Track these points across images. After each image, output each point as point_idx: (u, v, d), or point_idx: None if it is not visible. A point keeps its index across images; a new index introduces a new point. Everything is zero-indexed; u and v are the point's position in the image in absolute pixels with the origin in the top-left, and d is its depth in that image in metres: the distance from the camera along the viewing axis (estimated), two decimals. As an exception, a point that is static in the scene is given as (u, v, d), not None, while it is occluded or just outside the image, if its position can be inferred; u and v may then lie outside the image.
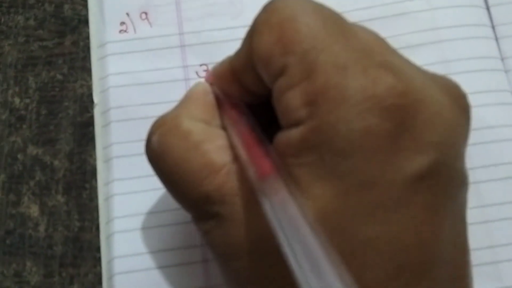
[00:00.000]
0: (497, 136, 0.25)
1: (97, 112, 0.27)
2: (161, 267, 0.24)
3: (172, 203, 0.24)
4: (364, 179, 0.15)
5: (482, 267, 0.23)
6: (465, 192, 0.17)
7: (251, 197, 0.16)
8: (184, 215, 0.24)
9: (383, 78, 0.15)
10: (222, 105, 0.20)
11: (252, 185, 0.16)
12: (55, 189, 0.26)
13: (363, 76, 0.15)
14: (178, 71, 0.27)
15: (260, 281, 0.17)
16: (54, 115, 0.27)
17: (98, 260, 0.25)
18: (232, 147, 0.18)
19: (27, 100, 0.27)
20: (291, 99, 0.16)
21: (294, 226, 0.14)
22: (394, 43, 0.18)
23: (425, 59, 0.26)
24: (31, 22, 0.29)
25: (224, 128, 0.19)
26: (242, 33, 0.27)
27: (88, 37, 0.28)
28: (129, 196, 0.25)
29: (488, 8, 0.28)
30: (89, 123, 0.27)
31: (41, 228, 0.25)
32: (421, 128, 0.15)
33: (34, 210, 0.26)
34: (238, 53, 0.19)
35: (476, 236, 0.24)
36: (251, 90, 0.19)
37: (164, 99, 0.26)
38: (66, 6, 0.29)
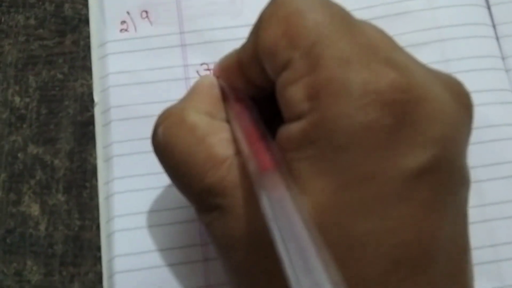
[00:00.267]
0: (497, 135, 0.25)
1: (97, 111, 0.27)
2: (162, 266, 0.24)
3: (172, 201, 0.25)
4: (364, 173, 0.15)
5: (483, 266, 0.23)
6: (467, 189, 0.17)
7: (251, 191, 0.17)
8: (184, 214, 0.24)
9: (385, 73, 0.15)
10: (227, 99, 0.20)
11: (252, 179, 0.17)
12: (56, 188, 0.26)
13: (366, 71, 0.15)
14: (179, 70, 0.27)
15: (258, 273, 0.17)
16: (54, 114, 0.27)
17: (99, 259, 0.25)
18: (235, 140, 0.19)
19: (28, 99, 0.27)
20: (294, 93, 0.16)
21: (289, 222, 0.14)
22: (395, 42, 0.18)
23: (426, 58, 0.25)
24: (32, 21, 0.29)
25: (228, 121, 0.20)
26: (242, 32, 0.27)
27: (88, 36, 0.28)
28: (129, 195, 0.25)
29: (489, 7, 0.28)
30: (90, 122, 0.27)
31: (42, 227, 0.25)
32: (422, 124, 0.15)
33: (34, 209, 0.26)
34: (244, 46, 0.19)
35: (477, 235, 0.24)
36: (256, 83, 0.19)
37: (164, 98, 0.26)
38: (67, 5, 0.29)
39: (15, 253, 0.25)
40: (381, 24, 0.17)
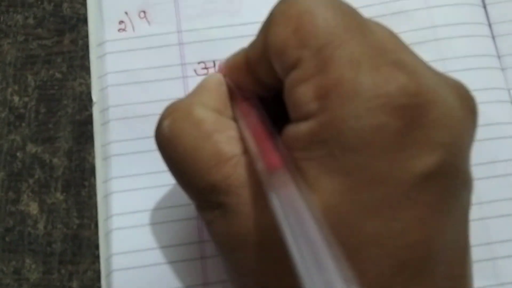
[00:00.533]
0: (493, 133, 0.25)
1: (95, 110, 0.27)
2: (160, 263, 0.24)
3: (170, 200, 0.25)
4: (372, 175, 0.15)
5: (479, 263, 0.24)
6: (469, 193, 0.17)
7: (258, 190, 0.17)
8: (182, 212, 0.25)
9: (395, 76, 0.15)
10: (234, 97, 0.20)
11: (260, 178, 0.16)
12: (54, 186, 0.26)
13: (376, 74, 0.15)
14: (177, 69, 0.27)
15: (263, 273, 0.17)
16: (53, 113, 0.27)
17: (97, 257, 0.25)
18: (242, 139, 0.18)
19: (26, 99, 0.27)
20: (302, 93, 0.16)
21: (300, 220, 0.14)
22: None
23: (423, 57, 0.26)
24: (30, 21, 0.29)
25: (235, 119, 0.19)
26: (240, 31, 0.27)
27: (87, 36, 0.28)
28: (127, 193, 0.25)
29: (484, 7, 0.28)
30: (88, 121, 0.27)
31: (40, 225, 0.25)
32: (431, 128, 0.15)
33: (33, 208, 0.26)
34: (253, 44, 0.19)
35: (473, 233, 0.23)
36: (264, 82, 0.19)
37: (162, 97, 0.26)
38: (65, 5, 0.29)
39: (14, 252, 0.25)
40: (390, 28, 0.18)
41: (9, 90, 0.28)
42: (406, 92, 0.15)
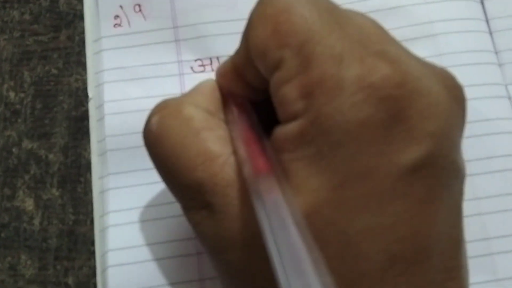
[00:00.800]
0: (491, 129, 0.25)
1: (91, 106, 0.27)
2: (155, 260, 0.24)
3: (166, 197, 0.25)
4: (360, 170, 0.15)
5: (476, 259, 0.23)
6: (461, 183, 0.17)
7: (246, 191, 0.16)
8: (178, 208, 0.24)
9: (379, 67, 0.15)
10: (226, 103, 0.20)
11: (246, 182, 0.16)
12: (50, 182, 0.26)
13: (359, 66, 0.15)
14: (173, 66, 0.27)
15: (252, 273, 0.17)
16: (49, 109, 0.27)
17: (93, 253, 0.25)
18: (232, 143, 0.18)
19: (22, 95, 0.27)
20: (287, 93, 0.16)
21: (283, 225, 0.14)
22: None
23: (420, 52, 0.25)
24: (27, 16, 0.29)
25: (227, 123, 0.19)
26: (237, 26, 0.27)
27: (83, 32, 0.28)
28: (123, 189, 0.25)
29: (482, 2, 0.28)
30: (84, 117, 0.27)
31: (36, 221, 0.25)
32: (417, 119, 0.15)
33: (29, 204, 0.26)
34: (238, 50, 0.19)
35: (470, 229, 0.24)
36: (253, 86, 0.19)
37: (158, 93, 0.26)
38: (61, 1, 0.29)
39: (9, 248, 0.25)
40: (374, 19, 0.17)
41: (5, 86, 0.28)
42: (391, 82, 0.15)
